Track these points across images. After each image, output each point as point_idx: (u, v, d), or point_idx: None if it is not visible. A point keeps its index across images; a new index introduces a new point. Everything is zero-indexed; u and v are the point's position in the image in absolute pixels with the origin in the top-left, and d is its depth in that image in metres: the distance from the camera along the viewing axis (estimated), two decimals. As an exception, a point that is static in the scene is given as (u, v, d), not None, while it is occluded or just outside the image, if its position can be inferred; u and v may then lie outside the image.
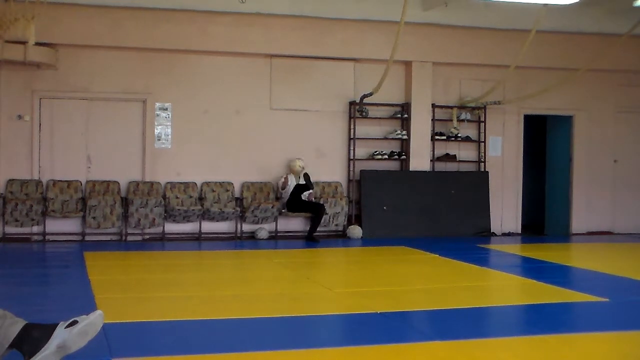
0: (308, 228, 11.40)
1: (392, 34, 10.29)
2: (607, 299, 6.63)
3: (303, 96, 11.87)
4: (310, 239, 11.10)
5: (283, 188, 11.38)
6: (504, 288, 7.67)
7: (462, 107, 12.48)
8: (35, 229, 10.75)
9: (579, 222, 13.07)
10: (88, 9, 10.68)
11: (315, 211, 11.26)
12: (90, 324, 3.79)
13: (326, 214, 11.40)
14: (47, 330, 3.74)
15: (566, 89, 12.55)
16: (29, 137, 10.90)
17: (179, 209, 10.94)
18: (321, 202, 11.51)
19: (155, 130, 11.34)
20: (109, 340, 4.77)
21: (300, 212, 11.40)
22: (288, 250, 10.54)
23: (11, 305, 5.93)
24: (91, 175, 11.12)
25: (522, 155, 12.93)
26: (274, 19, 11.39)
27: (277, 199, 11.54)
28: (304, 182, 11.35)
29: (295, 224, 11.62)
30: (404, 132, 12.17)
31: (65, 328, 3.74)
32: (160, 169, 11.34)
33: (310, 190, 11.42)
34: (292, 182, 11.45)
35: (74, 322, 3.77)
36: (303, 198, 11.33)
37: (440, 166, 12.46)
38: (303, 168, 11.43)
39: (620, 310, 6.32)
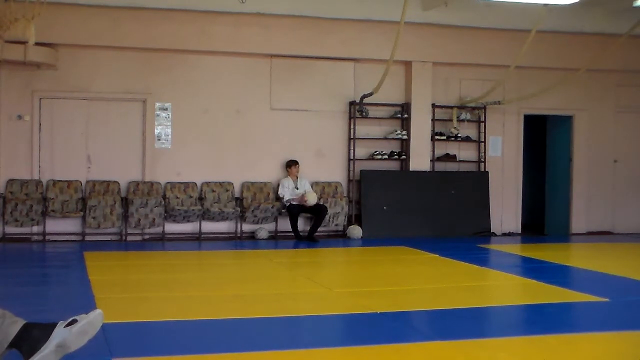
0: (308, 228, 11.40)
1: (392, 34, 10.30)
2: (607, 299, 6.63)
3: (303, 96, 11.87)
4: (310, 239, 11.10)
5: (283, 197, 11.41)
6: (504, 288, 7.67)
7: (462, 107, 12.48)
8: (35, 229, 10.75)
9: (579, 222, 13.07)
10: (88, 9, 10.68)
11: (317, 212, 11.25)
12: (90, 323, 3.78)
13: (326, 214, 11.39)
14: (46, 330, 3.73)
15: (566, 89, 12.56)
16: (29, 137, 10.90)
17: (179, 209, 10.94)
18: (321, 202, 11.51)
19: (155, 130, 11.34)
20: (109, 340, 4.76)
21: (301, 213, 11.38)
22: (288, 250, 10.54)
23: (11, 305, 5.93)
24: (91, 175, 11.12)
25: (522, 155, 12.93)
26: (274, 19, 11.38)
27: (277, 199, 11.54)
28: (306, 204, 11.31)
29: (295, 224, 11.59)
30: (404, 132, 12.17)
31: (64, 327, 3.74)
32: (160, 169, 11.34)
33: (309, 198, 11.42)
34: (289, 186, 11.44)
35: (74, 321, 3.76)
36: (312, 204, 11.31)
37: (440, 166, 12.45)
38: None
39: (620, 310, 6.32)
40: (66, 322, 3.76)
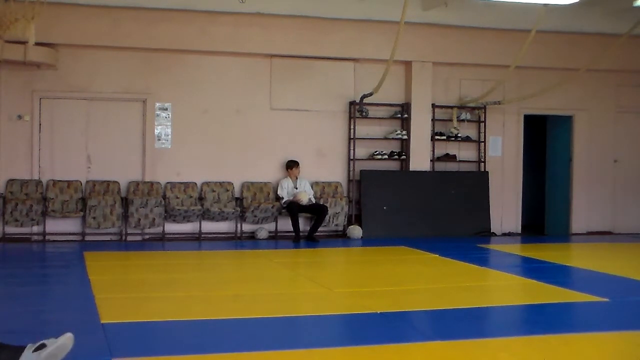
0: (308, 228, 11.40)
1: (392, 34, 10.30)
2: (607, 299, 6.63)
3: (303, 96, 11.87)
4: (310, 239, 11.10)
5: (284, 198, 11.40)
6: (504, 288, 7.67)
7: (462, 107, 12.48)
8: (35, 229, 10.75)
9: (579, 222, 13.07)
10: (88, 9, 10.68)
11: (318, 212, 11.24)
12: (59, 347, 3.71)
13: (327, 213, 11.37)
14: (14, 354, 3.65)
15: (566, 89, 12.55)
16: (29, 137, 10.90)
17: (179, 209, 10.94)
18: (321, 202, 11.51)
19: (155, 130, 11.34)
20: (109, 340, 4.77)
21: (301, 213, 11.37)
22: (288, 250, 10.54)
23: (11, 306, 5.95)
24: (91, 175, 11.12)
25: (522, 155, 12.93)
26: (274, 19, 11.38)
27: (277, 199, 11.53)
28: (306, 204, 11.29)
29: (295, 224, 11.58)
30: (404, 132, 12.17)
31: (33, 352, 3.66)
32: (160, 169, 11.34)
33: (310, 197, 11.42)
34: (288, 186, 11.44)
35: (42, 346, 3.69)
36: (304, 203, 11.29)
37: (440, 166, 12.45)
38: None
39: (620, 310, 6.32)
40: (35, 346, 3.69)
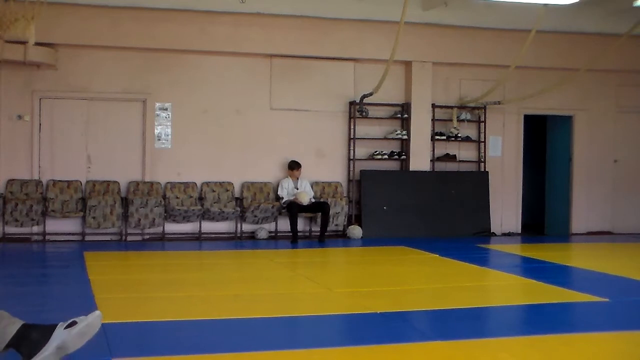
0: (308, 228, 11.39)
1: (392, 34, 10.30)
2: (607, 299, 6.63)
3: (303, 96, 11.87)
4: (320, 241, 11.04)
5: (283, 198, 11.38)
6: (504, 288, 7.67)
7: (462, 107, 12.48)
8: (35, 229, 10.75)
9: (579, 222, 13.07)
10: (88, 9, 10.68)
11: (321, 210, 11.20)
12: (89, 325, 3.82)
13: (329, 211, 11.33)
14: (46, 331, 3.76)
15: (566, 89, 12.55)
16: (29, 137, 10.90)
17: (179, 209, 10.94)
18: (321, 201, 11.49)
19: (155, 130, 11.34)
20: (109, 340, 4.77)
21: (301, 212, 11.36)
22: (288, 250, 10.54)
23: (11, 305, 5.94)
24: (91, 175, 11.12)
25: (522, 155, 12.93)
26: (274, 19, 11.38)
27: (277, 199, 11.53)
28: (306, 203, 11.25)
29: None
30: (404, 132, 12.17)
31: (64, 329, 3.77)
32: (160, 169, 11.34)
33: (311, 197, 11.41)
34: (288, 186, 11.44)
35: (73, 323, 3.80)
36: (304, 203, 11.26)
37: (440, 166, 12.45)
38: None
39: (620, 310, 6.32)
40: (66, 324, 3.79)
